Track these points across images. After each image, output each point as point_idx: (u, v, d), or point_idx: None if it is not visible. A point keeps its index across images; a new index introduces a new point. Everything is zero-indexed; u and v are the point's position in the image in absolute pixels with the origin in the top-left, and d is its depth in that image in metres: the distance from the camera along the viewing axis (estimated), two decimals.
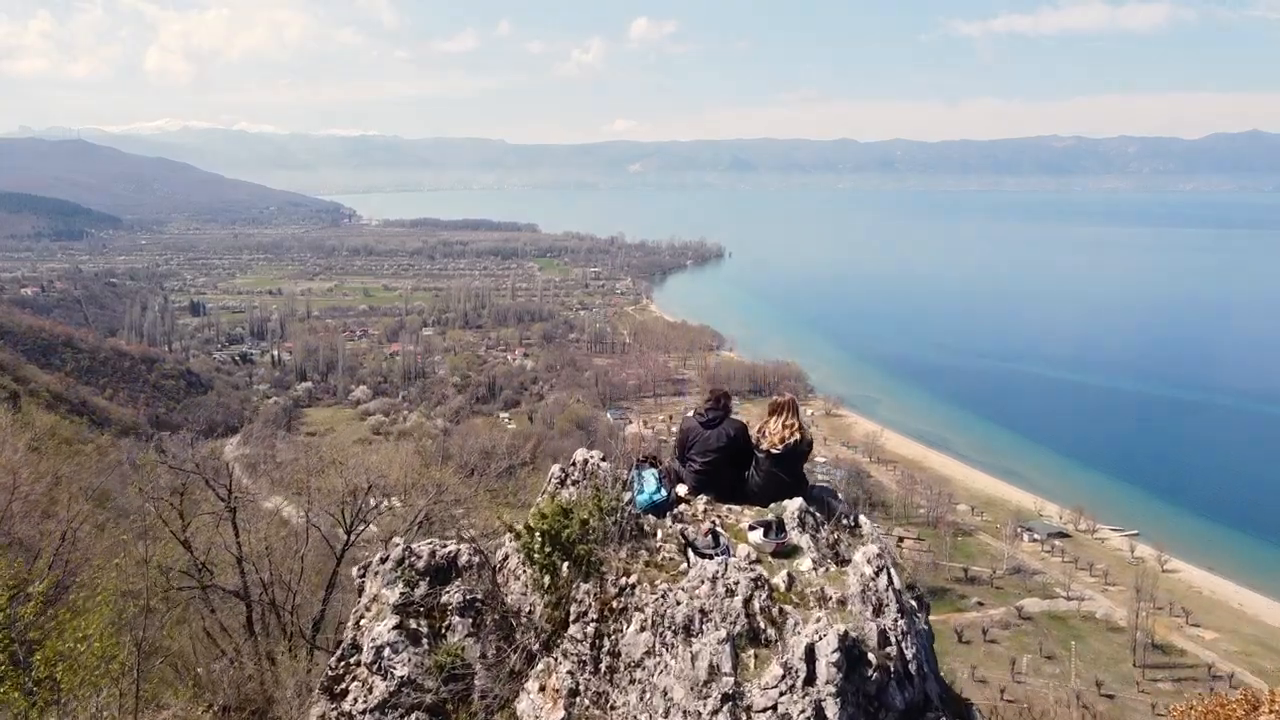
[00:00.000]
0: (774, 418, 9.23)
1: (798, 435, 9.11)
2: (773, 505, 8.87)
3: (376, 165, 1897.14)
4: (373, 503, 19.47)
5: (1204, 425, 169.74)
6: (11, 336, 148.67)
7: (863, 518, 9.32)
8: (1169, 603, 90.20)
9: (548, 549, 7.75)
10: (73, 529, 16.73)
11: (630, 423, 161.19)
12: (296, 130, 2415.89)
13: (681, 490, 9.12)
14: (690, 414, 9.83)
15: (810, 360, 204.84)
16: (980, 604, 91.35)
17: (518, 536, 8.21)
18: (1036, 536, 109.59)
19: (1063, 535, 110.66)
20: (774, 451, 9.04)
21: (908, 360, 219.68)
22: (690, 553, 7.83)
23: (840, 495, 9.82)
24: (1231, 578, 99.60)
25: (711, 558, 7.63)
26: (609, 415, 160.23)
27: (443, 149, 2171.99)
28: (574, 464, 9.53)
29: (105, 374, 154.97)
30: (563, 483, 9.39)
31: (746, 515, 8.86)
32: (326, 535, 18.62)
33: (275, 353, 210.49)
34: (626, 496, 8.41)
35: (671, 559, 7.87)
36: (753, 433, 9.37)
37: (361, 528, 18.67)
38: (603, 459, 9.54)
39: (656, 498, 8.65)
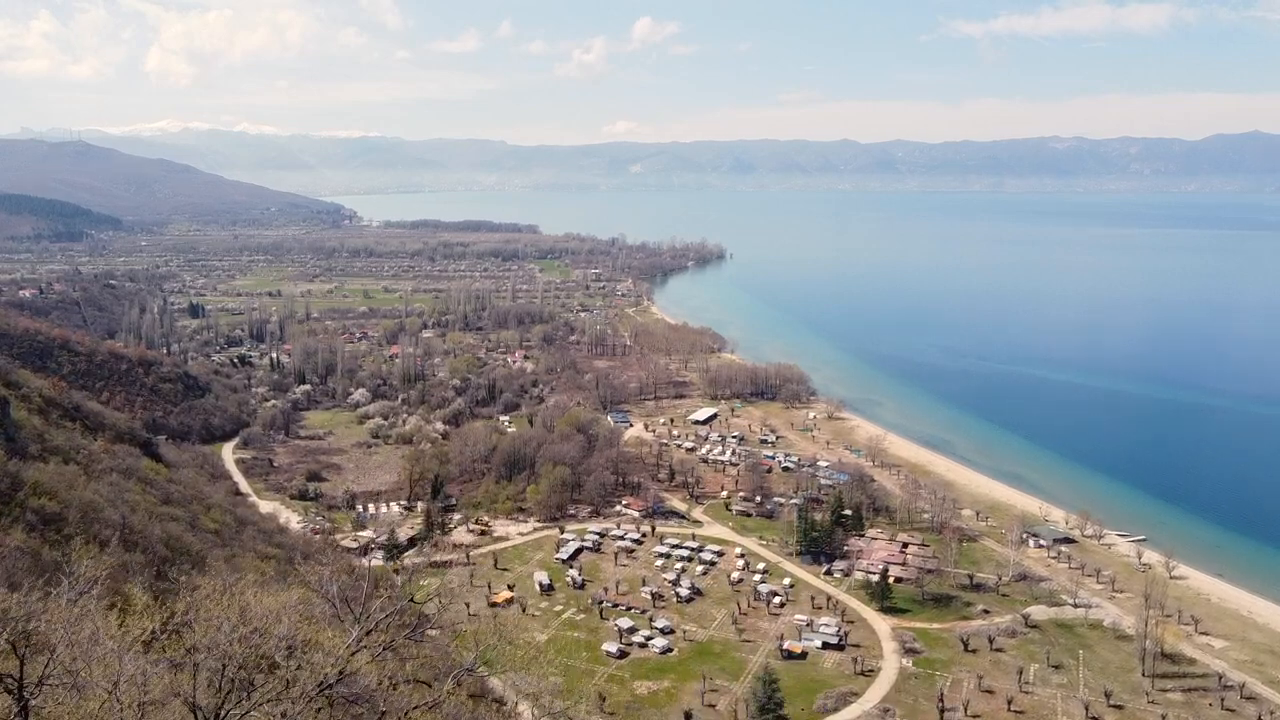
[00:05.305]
0: None
1: None
2: None
3: (377, 166, 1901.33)
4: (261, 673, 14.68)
5: (1210, 428, 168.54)
6: (7, 339, 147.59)
7: None
8: (1178, 610, 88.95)
9: None
10: None
11: (631, 425, 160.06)
12: (298, 131, 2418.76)
13: None
14: None
15: (812, 362, 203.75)
16: (986, 611, 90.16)
17: None
18: (1042, 542, 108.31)
19: (1069, 541, 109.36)
20: None
21: (910, 362, 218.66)
22: None
23: None
24: (1241, 584, 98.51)
25: None
26: (610, 418, 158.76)
27: (444, 150, 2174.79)
28: None
29: (102, 377, 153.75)
30: None
31: None
32: None
33: (274, 355, 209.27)
34: None
35: None
36: None
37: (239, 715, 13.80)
38: None
39: None
